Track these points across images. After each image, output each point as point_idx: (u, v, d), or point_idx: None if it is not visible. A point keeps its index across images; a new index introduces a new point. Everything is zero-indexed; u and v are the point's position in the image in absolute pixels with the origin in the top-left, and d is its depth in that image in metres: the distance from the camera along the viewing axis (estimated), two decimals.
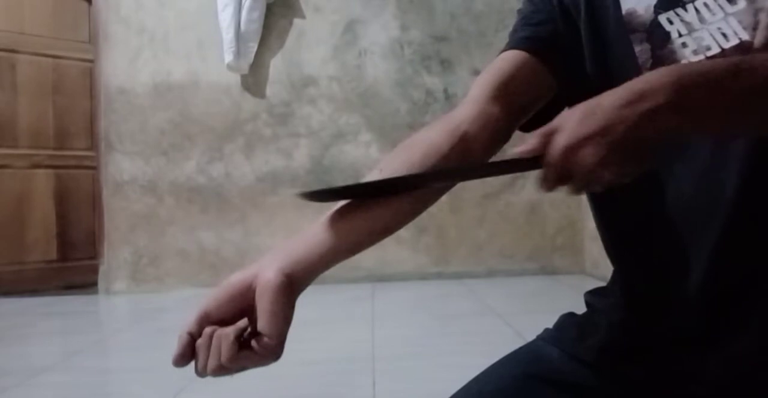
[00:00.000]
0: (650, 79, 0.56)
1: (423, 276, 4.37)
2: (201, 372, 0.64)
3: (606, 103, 0.57)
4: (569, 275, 4.33)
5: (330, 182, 4.37)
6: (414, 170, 0.72)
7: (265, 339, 0.61)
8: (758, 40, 0.67)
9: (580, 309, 0.86)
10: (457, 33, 4.45)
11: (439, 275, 4.39)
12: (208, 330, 0.63)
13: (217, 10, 4.30)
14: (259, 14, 4.32)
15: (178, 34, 4.44)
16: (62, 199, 4.86)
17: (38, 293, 4.50)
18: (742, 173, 0.67)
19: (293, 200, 4.41)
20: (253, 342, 0.61)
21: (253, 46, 4.34)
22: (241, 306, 0.63)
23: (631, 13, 0.75)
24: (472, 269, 4.40)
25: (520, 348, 0.82)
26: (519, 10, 0.87)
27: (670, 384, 0.72)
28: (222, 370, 0.62)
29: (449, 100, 4.40)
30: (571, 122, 0.57)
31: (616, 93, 0.57)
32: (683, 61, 0.71)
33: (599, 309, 0.83)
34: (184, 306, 3.88)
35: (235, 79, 4.44)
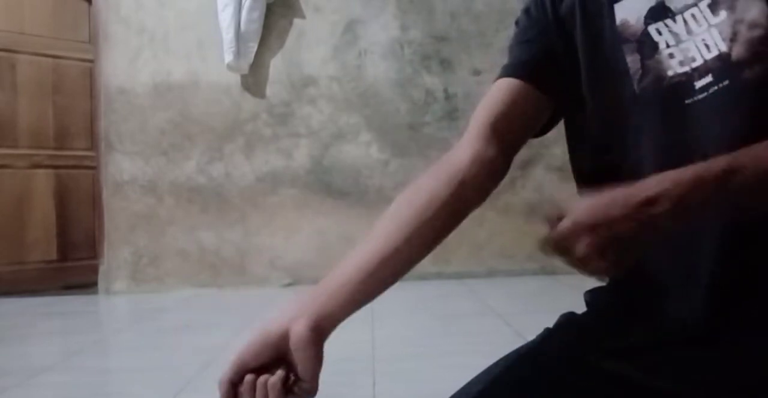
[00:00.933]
0: (659, 185, 0.60)
1: (423, 276, 4.36)
2: None
3: (618, 200, 0.60)
4: (569, 275, 4.30)
5: (330, 182, 4.37)
6: (416, 221, 0.79)
7: (305, 385, 0.72)
8: (736, 53, 0.68)
9: (580, 308, 0.86)
10: (457, 33, 4.45)
11: (439, 275, 4.39)
12: (248, 378, 0.71)
13: (217, 10, 4.29)
14: (259, 14, 4.32)
15: (178, 34, 4.43)
16: (62, 199, 4.85)
17: (38, 293, 4.49)
18: None
19: (293, 200, 4.41)
20: (296, 388, 0.71)
21: (253, 46, 4.34)
22: (276, 354, 0.71)
23: (624, 24, 0.76)
24: (472, 269, 4.39)
25: (520, 348, 0.82)
26: (516, 22, 0.89)
27: (670, 384, 0.72)
28: None
29: (449, 100, 4.40)
30: (583, 208, 0.61)
31: (629, 192, 0.61)
32: (668, 73, 0.73)
33: (599, 308, 0.83)
34: (184, 306, 3.88)
35: (235, 79, 4.43)
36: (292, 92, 4.47)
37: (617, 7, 0.76)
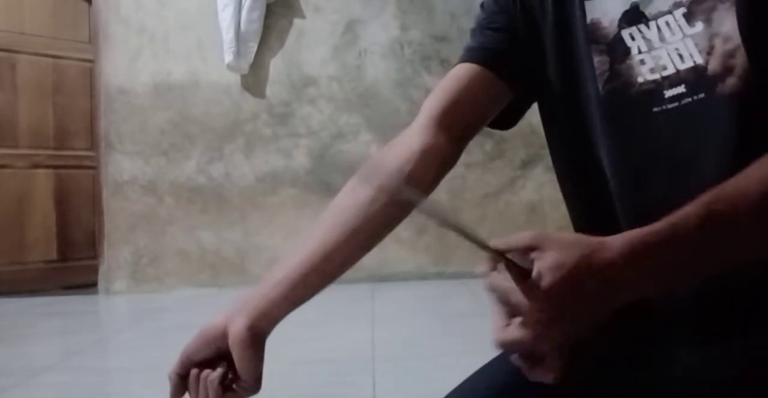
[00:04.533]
0: (624, 258, 0.56)
1: (423, 276, 4.37)
2: None
3: (590, 284, 0.56)
4: None
5: (330, 182, 4.37)
6: (361, 214, 0.78)
7: (244, 383, 0.74)
8: (712, 67, 0.67)
9: None
10: (457, 33, 4.45)
11: (439, 275, 4.39)
12: (193, 372, 0.74)
13: (217, 10, 4.30)
14: (259, 14, 4.32)
15: (178, 34, 4.44)
16: (62, 199, 4.85)
17: (38, 293, 4.50)
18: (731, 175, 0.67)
19: (293, 200, 4.41)
20: (235, 386, 0.74)
21: (253, 46, 4.34)
22: (217, 351, 0.74)
23: (596, 24, 0.75)
24: (472, 269, 4.38)
25: None
26: (481, 5, 0.87)
27: (660, 384, 0.72)
28: None
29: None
30: (547, 280, 0.56)
31: (599, 276, 0.56)
32: (638, 79, 0.72)
33: None
34: (184, 306, 3.88)
35: (235, 79, 4.44)
36: (292, 92, 4.47)
37: (588, 5, 0.75)
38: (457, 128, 0.84)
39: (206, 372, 0.73)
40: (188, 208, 4.44)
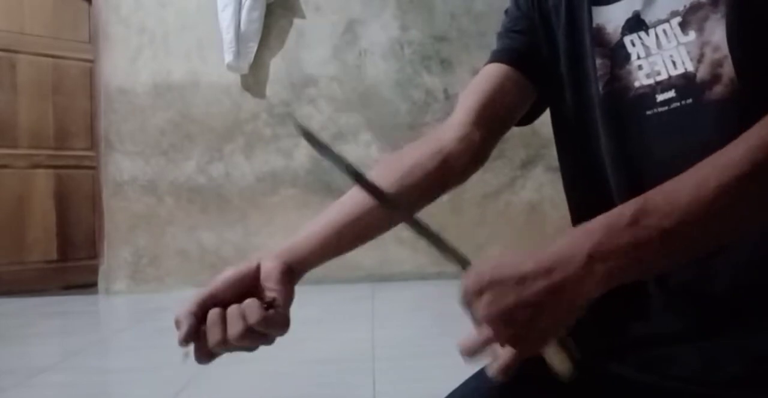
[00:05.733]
0: (565, 252, 0.60)
1: (423, 276, 4.37)
2: (213, 346, 0.68)
3: (527, 267, 0.61)
4: None
5: (330, 181, 4.37)
6: (397, 182, 0.80)
7: (280, 310, 0.71)
8: (701, 74, 0.70)
9: None
10: (457, 33, 4.45)
11: (439, 275, 4.39)
12: (214, 310, 0.69)
13: (217, 10, 4.30)
14: (259, 14, 4.32)
15: (178, 34, 4.44)
16: (62, 199, 4.85)
17: (38, 293, 4.50)
18: None
19: (293, 200, 4.41)
20: (271, 311, 0.69)
21: (253, 46, 4.34)
22: (244, 289, 0.71)
23: (601, 29, 0.78)
24: None
25: None
26: (506, 11, 0.91)
27: (652, 380, 0.72)
28: (241, 339, 0.68)
29: (449, 100, 4.40)
30: (493, 266, 0.62)
31: (538, 262, 0.61)
32: (635, 83, 0.75)
33: (590, 308, 0.84)
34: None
35: (235, 79, 4.44)
36: (292, 92, 4.47)
37: (595, 10, 0.79)
38: (491, 125, 0.86)
39: (234, 306, 0.69)
40: (188, 208, 4.44)
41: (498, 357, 0.61)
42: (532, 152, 4.37)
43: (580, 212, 0.85)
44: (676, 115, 0.72)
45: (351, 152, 4.44)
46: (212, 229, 4.42)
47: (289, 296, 0.72)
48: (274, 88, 4.47)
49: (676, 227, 0.57)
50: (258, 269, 0.73)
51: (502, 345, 0.60)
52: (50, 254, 4.80)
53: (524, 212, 4.44)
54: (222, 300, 0.71)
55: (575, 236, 0.61)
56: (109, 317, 4.10)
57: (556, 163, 0.88)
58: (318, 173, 4.41)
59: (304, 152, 4.45)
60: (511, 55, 0.86)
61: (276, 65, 4.46)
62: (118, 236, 4.44)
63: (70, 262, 4.86)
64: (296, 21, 4.46)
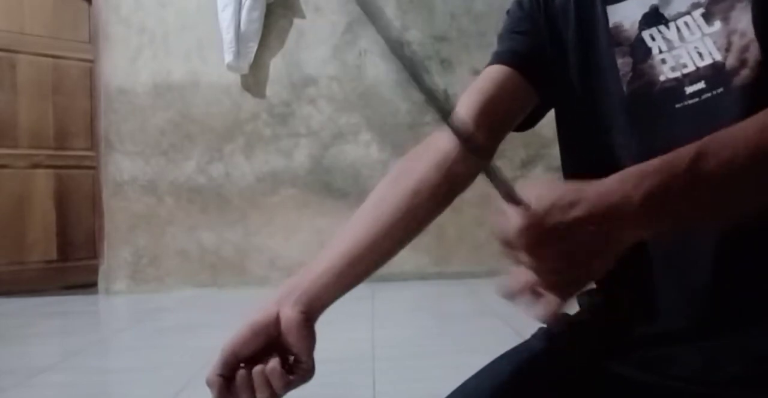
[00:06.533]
0: (621, 185, 0.56)
1: (423, 276, 4.37)
2: None
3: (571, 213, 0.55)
4: None
5: (330, 182, 4.38)
6: (405, 204, 0.79)
7: (304, 365, 0.72)
8: (730, 63, 0.70)
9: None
10: (457, 33, 4.45)
11: (439, 275, 4.39)
12: (241, 372, 0.70)
13: (217, 10, 4.30)
14: (259, 14, 4.32)
15: (178, 34, 4.44)
16: (62, 199, 4.86)
17: (38, 293, 4.50)
18: None
19: (293, 200, 4.41)
20: (296, 369, 0.72)
21: (253, 46, 4.35)
22: (267, 340, 0.71)
23: (618, 27, 0.77)
24: (472, 269, 4.39)
25: (516, 347, 0.83)
26: (508, 12, 0.90)
27: (654, 381, 0.72)
28: None
29: (449, 100, 4.40)
30: (549, 200, 0.56)
31: (589, 198, 0.56)
32: (660, 77, 0.74)
33: (586, 309, 0.84)
34: (184, 306, 3.88)
35: (235, 79, 4.44)
36: (292, 92, 4.47)
37: (610, 10, 0.78)
38: (492, 127, 0.85)
39: (259, 366, 0.70)
40: (188, 208, 4.44)
41: (541, 302, 0.58)
42: (532, 152, 4.37)
43: None
44: (707, 105, 0.71)
45: (351, 152, 4.44)
46: (212, 229, 4.42)
47: (311, 344, 0.73)
48: (274, 88, 4.47)
49: (737, 171, 0.56)
50: (278, 320, 0.72)
51: (546, 289, 0.57)
52: (50, 254, 4.80)
53: None
54: (246, 356, 0.71)
55: (630, 176, 0.57)
56: (109, 317, 4.10)
57: (556, 163, 0.88)
58: (318, 173, 4.41)
59: (304, 152, 4.45)
60: (512, 58, 0.85)
61: (276, 65, 4.46)
62: (118, 236, 4.44)
63: (70, 262, 4.86)
64: (296, 21, 4.46)
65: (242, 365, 0.71)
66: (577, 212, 0.55)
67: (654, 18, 0.75)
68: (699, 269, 0.71)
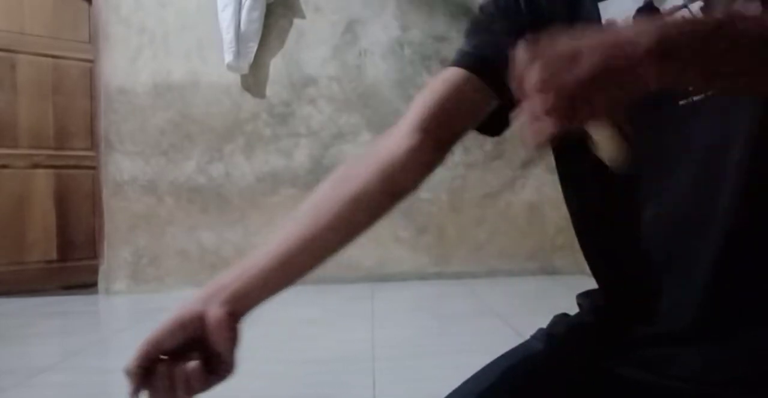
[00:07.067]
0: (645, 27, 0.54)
1: (423, 276, 4.37)
2: None
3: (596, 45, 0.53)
4: (569, 275, 4.33)
5: None
6: (342, 210, 0.78)
7: (224, 365, 0.72)
8: None
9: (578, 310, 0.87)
10: (457, 33, 4.45)
11: (439, 275, 4.39)
12: (162, 366, 0.72)
13: (217, 10, 4.30)
14: (259, 14, 4.32)
15: (178, 34, 4.44)
16: (62, 199, 4.85)
17: (38, 293, 4.50)
18: (738, 182, 0.67)
19: (293, 200, 4.41)
20: (217, 367, 0.71)
21: (253, 46, 4.35)
22: (190, 337, 0.72)
23: (611, 24, 0.74)
24: (472, 269, 4.39)
25: (515, 348, 0.83)
26: (481, 7, 0.87)
27: (654, 381, 0.72)
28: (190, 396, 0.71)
29: None
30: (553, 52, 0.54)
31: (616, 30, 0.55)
32: None
33: (588, 310, 0.84)
34: None
35: (235, 79, 4.44)
36: (292, 92, 4.47)
37: (602, 6, 0.76)
38: (441, 133, 0.84)
39: (180, 364, 0.71)
40: (188, 208, 4.44)
41: (537, 123, 0.54)
42: (532, 152, 4.37)
43: (584, 217, 0.84)
44: (711, 101, 0.69)
45: (351, 152, 4.44)
46: (212, 229, 4.42)
47: (234, 343, 0.73)
48: (274, 88, 4.47)
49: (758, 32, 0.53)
50: (203, 318, 0.72)
51: (546, 113, 0.53)
52: (50, 254, 4.80)
53: (524, 212, 4.44)
54: (168, 348, 0.72)
55: (651, 21, 0.55)
56: (109, 317, 4.10)
57: None
58: (318, 173, 4.41)
59: (304, 152, 4.45)
60: (474, 61, 0.83)
61: (276, 65, 4.46)
62: (118, 236, 4.44)
63: (70, 262, 4.86)
64: (296, 21, 4.46)
65: (163, 357, 0.72)
66: (588, 40, 0.53)
67: (650, 12, 0.73)
68: (699, 270, 0.70)
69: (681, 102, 0.71)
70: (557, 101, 0.52)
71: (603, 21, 0.76)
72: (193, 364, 0.70)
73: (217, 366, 0.72)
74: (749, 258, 0.69)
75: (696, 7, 0.70)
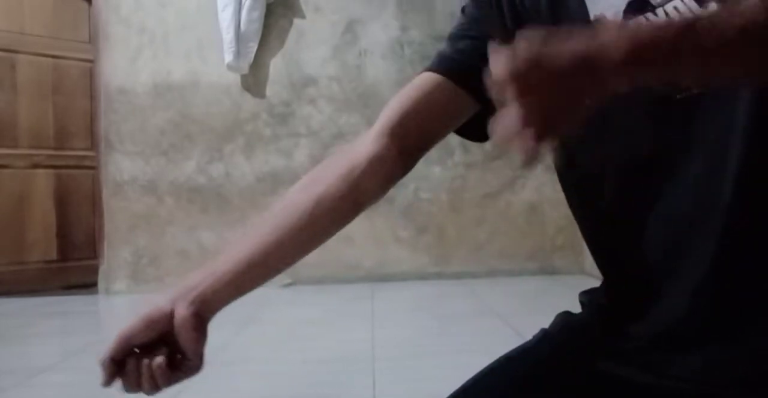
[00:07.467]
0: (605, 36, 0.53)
1: (423, 276, 4.37)
2: (130, 392, 0.76)
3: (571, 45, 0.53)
4: (569, 275, 4.33)
5: None
6: (308, 214, 0.79)
7: (190, 362, 0.75)
8: None
9: (579, 308, 0.87)
10: None
11: (439, 275, 4.39)
12: (131, 360, 0.75)
13: (217, 10, 4.30)
14: (259, 14, 4.32)
15: (178, 34, 4.44)
16: (62, 199, 4.85)
17: (38, 293, 4.50)
18: (739, 179, 0.67)
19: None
20: (182, 366, 0.75)
21: (253, 46, 4.34)
22: (159, 333, 0.75)
23: (600, 20, 0.73)
24: (472, 269, 4.39)
25: (516, 348, 0.83)
26: (462, 10, 0.87)
27: (654, 382, 0.72)
28: (154, 389, 0.74)
29: None
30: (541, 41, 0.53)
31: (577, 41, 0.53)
32: None
33: (590, 309, 0.84)
34: None
35: (235, 79, 4.44)
36: (292, 92, 4.47)
37: (589, 2, 0.75)
38: (410, 139, 0.84)
39: (146, 360, 0.74)
40: (188, 208, 4.44)
41: (520, 137, 0.54)
42: None
43: (584, 214, 0.84)
44: (709, 94, 0.67)
45: None
46: (212, 229, 4.42)
47: (201, 342, 0.75)
48: (274, 88, 4.47)
49: (733, 31, 0.52)
50: (171, 317, 0.74)
51: (530, 122, 0.53)
52: (50, 254, 4.79)
53: (524, 212, 4.44)
54: (138, 343, 0.75)
55: (620, 25, 0.56)
56: (109, 317, 4.10)
57: None
58: None
59: (304, 152, 4.45)
60: (451, 66, 0.83)
61: (276, 65, 4.46)
62: (118, 236, 4.44)
63: (70, 262, 4.86)
64: (296, 21, 4.46)
65: (136, 351, 0.75)
66: (560, 49, 0.52)
67: (639, 5, 0.71)
68: (699, 270, 0.70)
69: (678, 96, 0.69)
70: (532, 114, 0.52)
71: (591, 16, 0.74)
72: (158, 360, 0.73)
73: (183, 363, 0.74)
74: (750, 257, 0.69)
75: None
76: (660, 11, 0.70)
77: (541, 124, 0.53)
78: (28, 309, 4.07)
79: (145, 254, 4.44)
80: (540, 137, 0.53)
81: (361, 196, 0.82)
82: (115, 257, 4.43)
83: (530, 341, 0.84)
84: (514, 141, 0.53)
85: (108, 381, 0.76)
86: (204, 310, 0.75)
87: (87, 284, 4.65)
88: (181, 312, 0.74)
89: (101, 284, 4.47)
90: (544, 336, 0.83)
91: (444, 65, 0.83)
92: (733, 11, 0.53)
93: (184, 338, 0.74)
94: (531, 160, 0.54)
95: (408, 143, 0.84)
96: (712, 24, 0.53)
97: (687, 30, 0.53)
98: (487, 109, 0.80)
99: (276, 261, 0.80)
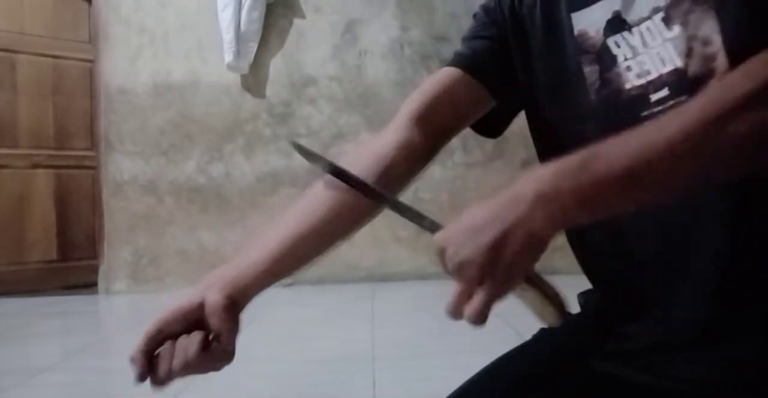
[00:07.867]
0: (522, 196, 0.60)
1: (423, 276, 4.37)
2: (163, 377, 0.74)
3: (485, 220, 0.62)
4: (569, 275, 4.32)
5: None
6: (337, 204, 0.82)
7: (222, 347, 0.73)
8: (692, 69, 0.68)
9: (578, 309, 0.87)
10: (457, 33, 4.44)
11: (439, 275, 4.37)
12: (166, 345, 0.73)
13: (217, 10, 4.30)
14: (259, 14, 4.32)
15: (178, 34, 4.44)
16: (62, 199, 4.85)
17: (38, 293, 4.50)
18: (739, 180, 0.67)
19: (293, 200, 4.41)
20: (214, 345, 0.73)
21: (253, 46, 4.35)
22: (191, 324, 0.73)
23: (583, 35, 0.76)
24: None
25: (515, 348, 0.83)
26: (475, 15, 0.90)
27: (665, 383, 0.72)
28: (185, 369, 0.72)
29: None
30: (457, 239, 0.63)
31: (491, 211, 0.62)
32: (627, 85, 0.73)
33: (589, 309, 0.84)
34: None
35: (235, 79, 4.44)
36: (292, 92, 4.47)
37: (575, 16, 0.77)
38: (433, 128, 0.86)
39: (182, 337, 0.73)
40: (188, 208, 4.44)
41: (472, 302, 0.63)
42: (532, 152, 4.34)
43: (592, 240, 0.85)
44: (675, 108, 0.68)
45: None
46: (212, 229, 4.42)
47: (233, 329, 0.73)
48: (274, 88, 4.47)
49: (622, 171, 0.57)
50: (201, 305, 0.73)
51: (474, 293, 0.63)
52: (50, 254, 4.80)
53: None
54: (171, 334, 0.73)
55: (525, 179, 0.61)
56: (109, 317, 4.10)
57: None
58: (318, 173, 4.41)
59: None
60: (469, 61, 0.85)
61: (276, 65, 4.46)
62: (118, 236, 4.44)
63: (70, 262, 4.86)
64: (296, 21, 4.46)
65: (168, 343, 0.73)
66: (480, 238, 0.61)
67: (618, 24, 0.74)
68: (700, 273, 0.70)
69: (643, 113, 0.71)
70: (478, 276, 0.61)
71: (575, 31, 0.77)
72: (195, 336, 0.72)
73: (216, 351, 0.73)
74: (750, 257, 0.69)
75: (658, 19, 0.71)
76: (635, 31, 0.73)
77: (489, 291, 0.62)
78: (28, 309, 4.07)
79: (145, 254, 4.44)
80: (489, 302, 0.62)
81: (390, 185, 0.82)
82: (115, 257, 4.43)
83: (530, 341, 0.84)
84: (462, 310, 0.62)
85: (142, 376, 0.75)
86: (235, 295, 0.74)
87: (87, 284, 4.65)
88: (212, 296, 0.73)
89: (101, 284, 4.47)
90: (543, 336, 0.83)
91: (462, 61, 0.86)
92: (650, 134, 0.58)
93: (217, 319, 0.72)
94: (481, 320, 0.64)
95: (431, 131, 0.86)
96: (606, 154, 0.58)
97: (582, 163, 0.58)
98: (501, 105, 0.85)
99: (306, 251, 0.80)
